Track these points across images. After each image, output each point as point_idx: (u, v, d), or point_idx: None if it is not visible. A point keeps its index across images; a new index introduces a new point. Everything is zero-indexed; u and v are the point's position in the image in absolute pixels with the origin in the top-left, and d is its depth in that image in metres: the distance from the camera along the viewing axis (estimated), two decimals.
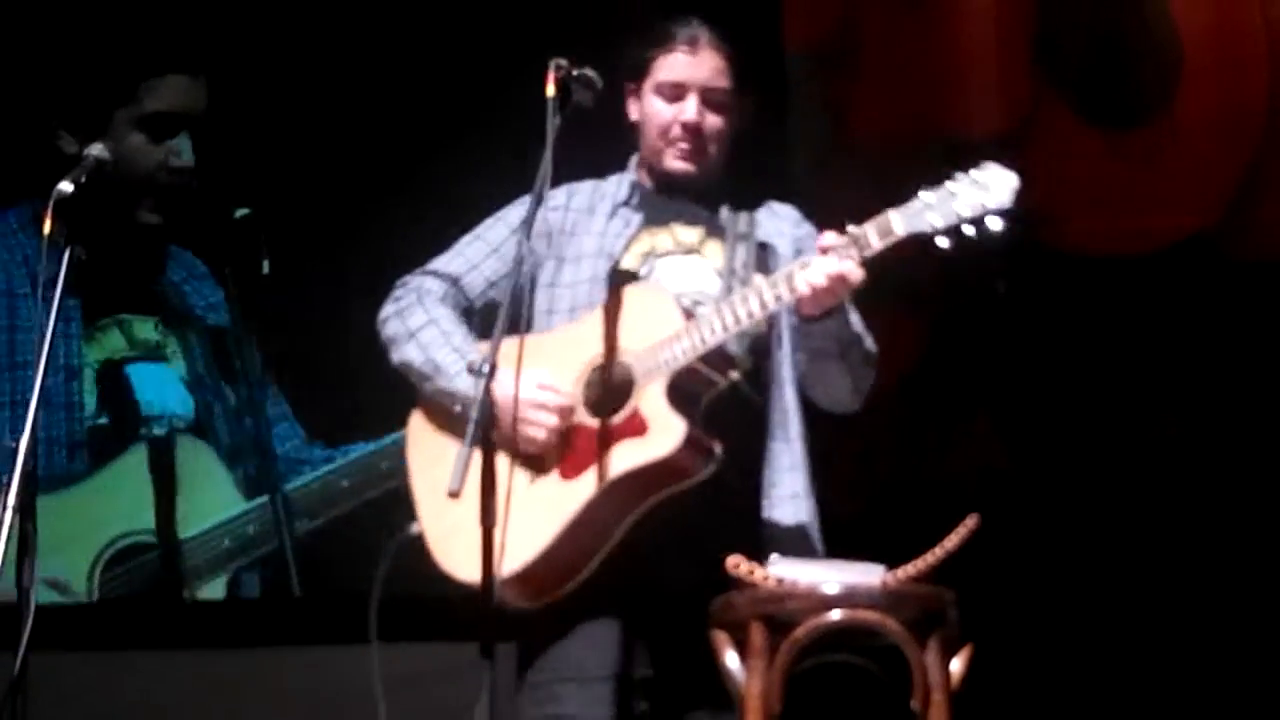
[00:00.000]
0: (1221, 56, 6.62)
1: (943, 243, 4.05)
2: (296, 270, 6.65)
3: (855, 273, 4.07)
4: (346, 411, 6.49)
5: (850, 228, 4.10)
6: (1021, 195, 6.44)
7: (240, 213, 6.60)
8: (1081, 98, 6.69)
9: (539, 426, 4.19)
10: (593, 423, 4.21)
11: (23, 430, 3.98)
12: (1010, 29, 6.76)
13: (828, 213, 4.62)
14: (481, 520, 3.85)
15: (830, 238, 4.11)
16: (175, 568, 6.47)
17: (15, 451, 3.98)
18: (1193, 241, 6.54)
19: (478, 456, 3.86)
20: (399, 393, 4.51)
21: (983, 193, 4.04)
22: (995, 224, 4.04)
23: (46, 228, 4.10)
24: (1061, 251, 6.30)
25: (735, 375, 4.24)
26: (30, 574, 3.90)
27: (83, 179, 4.19)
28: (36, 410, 4.01)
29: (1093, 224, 6.54)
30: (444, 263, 4.50)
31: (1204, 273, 6.52)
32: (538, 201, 4.08)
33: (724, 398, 4.22)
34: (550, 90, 4.12)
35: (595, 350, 4.25)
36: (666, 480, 4.14)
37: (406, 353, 4.39)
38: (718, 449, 4.14)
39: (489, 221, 4.47)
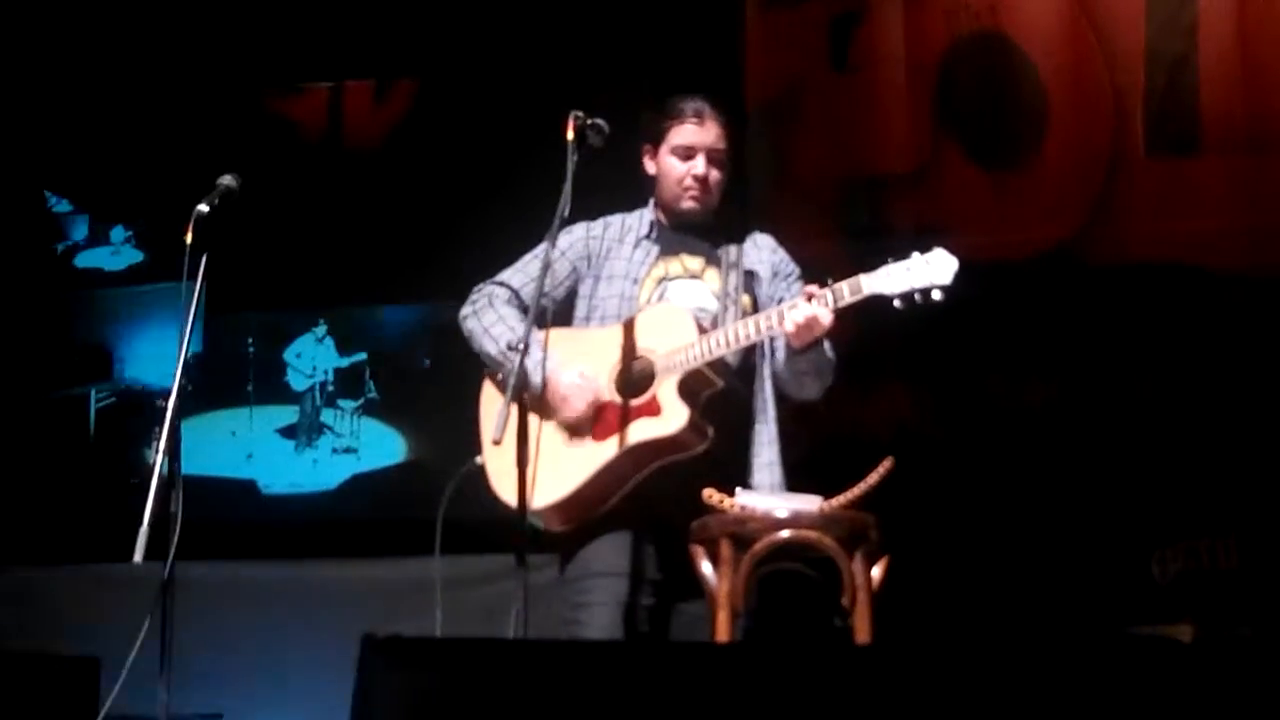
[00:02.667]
0: (1078, 111, 6.58)
1: (897, 304, 4.09)
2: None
3: (828, 317, 4.13)
4: None
5: (830, 283, 4.13)
6: (925, 215, 6.53)
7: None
8: (970, 143, 6.67)
9: (578, 401, 4.26)
10: (621, 402, 4.27)
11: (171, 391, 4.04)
12: (916, 90, 6.74)
13: (777, 235, 4.69)
14: (517, 463, 3.92)
15: (814, 289, 4.16)
16: None
17: (165, 408, 4.03)
18: (1057, 250, 6.52)
19: (515, 415, 3.94)
20: None
21: (932, 271, 4.07)
22: (937, 295, 4.07)
23: (189, 240, 4.14)
24: (959, 256, 6.31)
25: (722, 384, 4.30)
26: (178, 503, 3.96)
27: (216, 202, 4.23)
28: (183, 374, 4.06)
29: (979, 238, 6.53)
30: (508, 275, 4.53)
31: (1066, 274, 6.51)
32: (560, 220, 4.11)
33: (720, 393, 4.28)
34: (569, 135, 4.16)
35: (626, 349, 4.30)
36: (670, 451, 4.20)
37: (483, 344, 4.44)
38: (710, 432, 4.20)
39: (544, 243, 4.50)
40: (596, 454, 4.23)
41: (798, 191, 6.78)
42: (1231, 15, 6.42)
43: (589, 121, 4.18)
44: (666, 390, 4.21)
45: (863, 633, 3.96)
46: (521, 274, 4.53)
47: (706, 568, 4.04)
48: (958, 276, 4.08)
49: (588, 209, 4.42)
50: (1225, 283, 6.28)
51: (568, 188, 4.08)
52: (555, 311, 4.35)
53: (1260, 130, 6.34)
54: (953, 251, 4.13)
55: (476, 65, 7.30)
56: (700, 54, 6.66)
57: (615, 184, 4.55)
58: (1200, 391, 6.24)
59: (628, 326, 4.32)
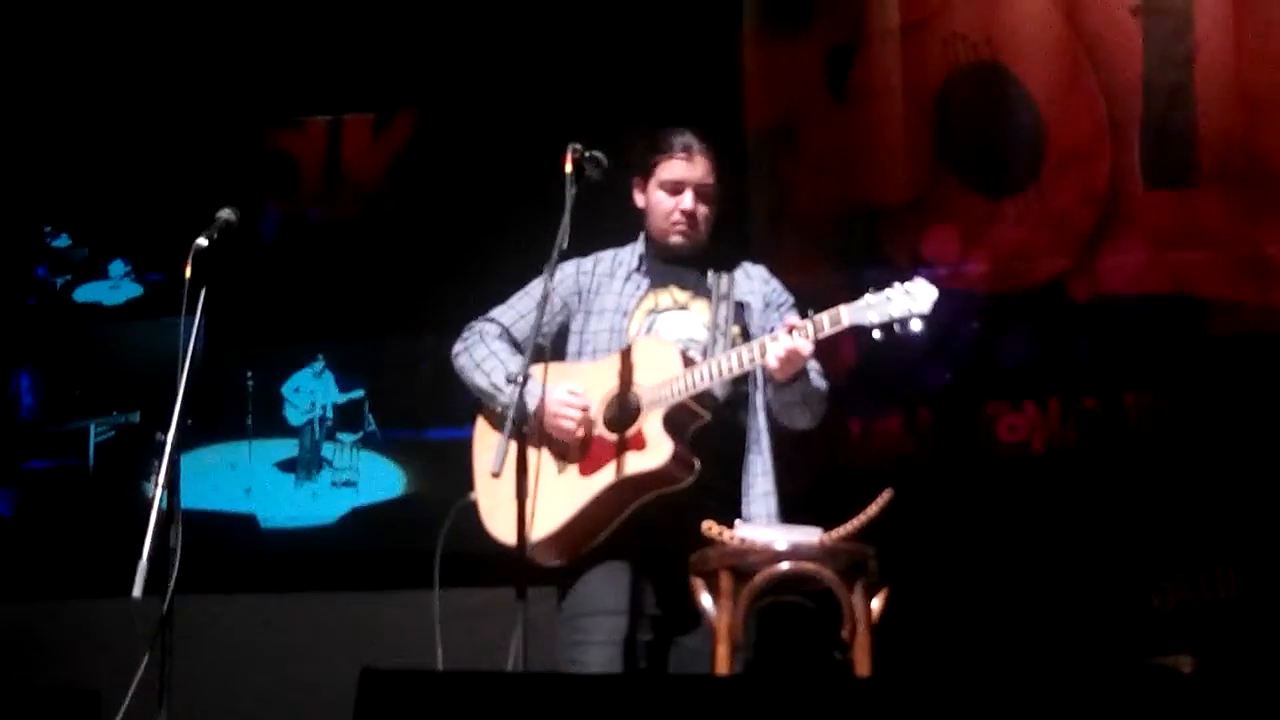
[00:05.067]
0: (1075, 142, 6.58)
1: (876, 334, 4.09)
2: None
3: (808, 348, 4.13)
4: None
5: (811, 314, 4.14)
6: (923, 246, 6.53)
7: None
8: (968, 174, 6.68)
9: (567, 419, 4.26)
10: (609, 436, 4.27)
11: (170, 425, 4.04)
12: (913, 122, 6.75)
13: (776, 265, 4.70)
14: (516, 496, 3.92)
15: (794, 319, 4.17)
16: None
17: (164, 443, 4.04)
18: (1055, 281, 6.50)
19: (514, 448, 3.94)
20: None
21: (911, 301, 4.06)
22: (917, 326, 4.07)
23: (188, 274, 4.15)
24: (955, 289, 6.35)
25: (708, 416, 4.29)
26: (177, 537, 3.96)
27: (214, 236, 4.24)
28: (182, 408, 4.06)
29: (977, 268, 6.55)
30: (498, 312, 4.56)
31: (1064, 304, 6.49)
32: (558, 252, 4.11)
33: (711, 426, 4.28)
34: (568, 167, 4.17)
35: (614, 383, 4.30)
36: (657, 484, 4.21)
37: (475, 379, 4.45)
38: (697, 464, 4.20)
39: (536, 280, 4.50)
40: (584, 488, 4.24)
41: (796, 222, 6.80)
42: (1228, 47, 6.44)
43: (587, 154, 4.18)
44: (652, 424, 4.22)
45: (863, 665, 3.95)
46: (512, 310, 4.56)
47: (706, 600, 4.04)
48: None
49: (586, 242, 4.42)
50: (1223, 313, 6.29)
51: (566, 220, 4.08)
52: (547, 347, 4.35)
53: (1258, 161, 6.35)
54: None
55: (475, 98, 7.32)
56: (698, 86, 6.67)
57: (613, 215, 4.56)
58: (1199, 422, 6.25)
59: (615, 360, 4.33)
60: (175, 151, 7.50)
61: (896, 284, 4.09)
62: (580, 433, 4.28)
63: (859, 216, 6.75)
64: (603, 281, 4.54)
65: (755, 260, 4.66)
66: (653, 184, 4.51)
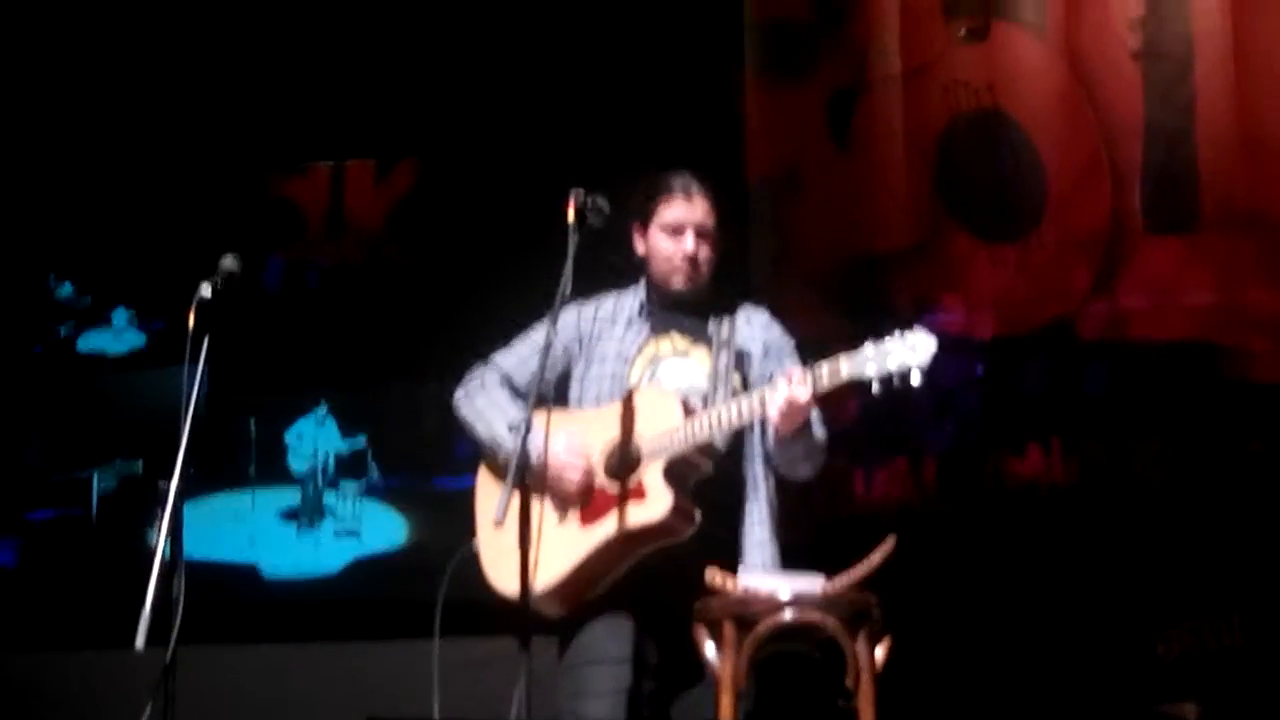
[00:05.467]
0: (1077, 187, 6.60)
1: (875, 388, 4.03)
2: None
3: (807, 399, 4.08)
4: None
5: (811, 365, 4.09)
6: (925, 292, 6.53)
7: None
8: (970, 220, 6.69)
9: (570, 476, 4.25)
10: (609, 487, 4.25)
11: (173, 474, 4.04)
12: (915, 168, 6.78)
13: (778, 309, 4.69)
14: (519, 545, 3.90)
15: (794, 372, 4.13)
16: None
17: (167, 491, 4.04)
18: (1057, 326, 6.51)
19: (517, 498, 3.93)
20: None
21: (910, 353, 3.98)
22: (916, 378, 3.99)
23: (190, 323, 4.16)
24: (958, 335, 6.36)
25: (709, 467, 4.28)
26: (180, 587, 3.95)
27: (218, 284, 4.24)
28: (185, 457, 4.06)
29: (980, 313, 6.56)
30: (500, 357, 4.52)
31: (1066, 350, 6.51)
32: (561, 298, 4.09)
33: (709, 477, 4.25)
34: (570, 214, 4.16)
35: (616, 431, 4.28)
36: (657, 537, 4.17)
37: (476, 430, 4.43)
38: (698, 515, 4.16)
39: (538, 325, 4.49)
40: (585, 539, 4.21)
41: (797, 269, 6.81)
42: (1228, 91, 6.45)
43: (590, 200, 4.17)
44: (652, 475, 4.19)
45: (866, 714, 3.92)
46: (514, 356, 4.53)
47: (710, 649, 4.01)
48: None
49: (589, 289, 4.42)
50: (1226, 358, 6.29)
51: (569, 267, 4.06)
52: (549, 396, 4.34)
53: (1260, 206, 6.36)
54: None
55: (477, 144, 7.36)
56: (699, 132, 6.70)
57: (615, 261, 4.56)
58: (1202, 469, 6.24)
59: (617, 408, 4.30)
60: (178, 199, 7.53)
61: (896, 333, 4.04)
62: (583, 485, 4.27)
63: (861, 262, 6.76)
64: (604, 327, 4.52)
65: (757, 303, 4.65)
66: (653, 228, 4.49)
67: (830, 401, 4.27)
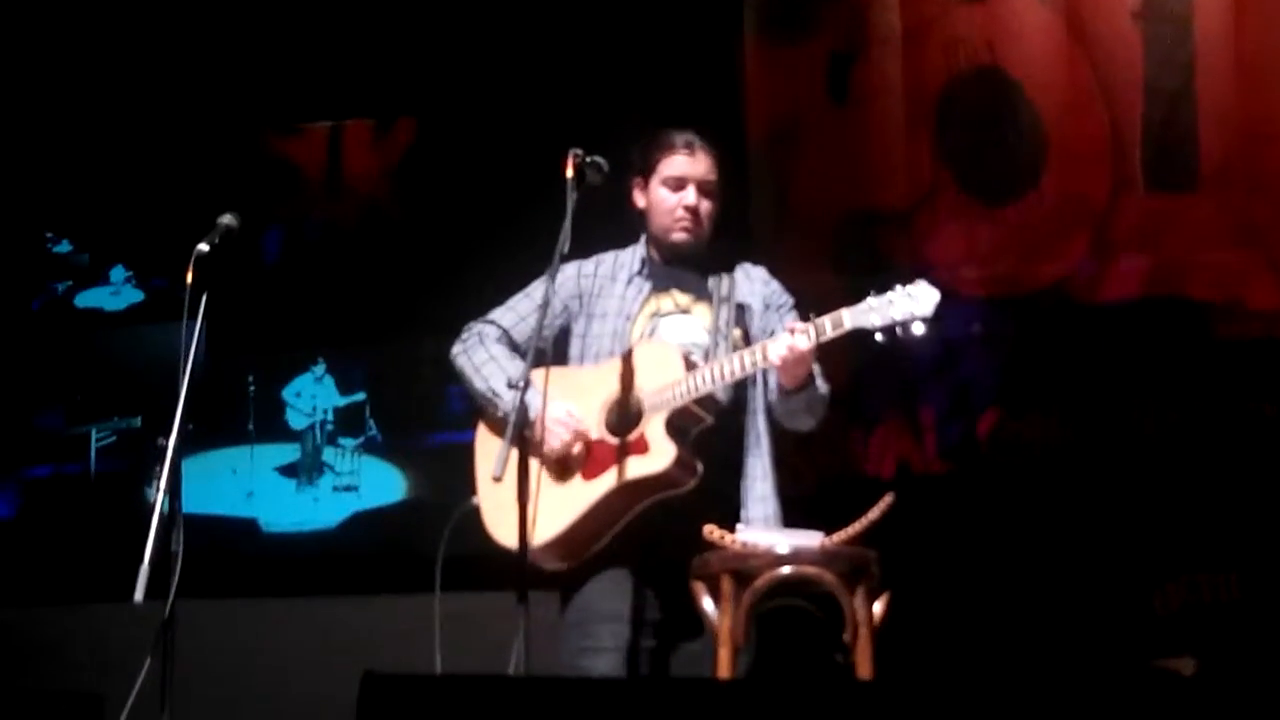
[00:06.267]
0: (1076, 146, 6.59)
1: (878, 337, 4.06)
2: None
3: (809, 346, 4.10)
4: None
5: (812, 317, 4.11)
6: (923, 250, 6.53)
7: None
8: (969, 178, 6.68)
9: (558, 437, 4.25)
10: (611, 440, 4.27)
11: (171, 431, 4.04)
12: (914, 126, 6.76)
13: (777, 269, 4.69)
14: (518, 500, 3.93)
15: (796, 324, 4.15)
16: None
17: (165, 448, 4.04)
18: (1056, 285, 6.51)
19: (516, 453, 3.94)
20: None
21: (913, 303, 4.02)
22: (919, 328, 4.03)
23: (189, 277, 4.15)
24: (956, 294, 6.36)
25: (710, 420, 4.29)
26: (179, 541, 3.96)
27: (216, 241, 4.23)
28: (184, 412, 4.06)
29: (978, 273, 6.56)
30: (498, 314, 4.54)
31: (1065, 309, 6.51)
32: (559, 256, 4.11)
33: (710, 429, 4.26)
34: (569, 172, 4.16)
35: (616, 387, 4.28)
36: (660, 488, 4.20)
37: (474, 384, 4.44)
38: (700, 468, 4.19)
39: (535, 282, 4.50)
40: (587, 492, 4.23)
41: (797, 225, 6.80)
42: (1228, 50, 6.45)
43: (588, 159, 4.17)
44: (654, 428, 4.21)
45: (864, 669, 3.95)
46: (512, 313, 4.54)
47: (708, 604, 4.04)
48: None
49: (587, 247, 4.42)
50: (1225, 316, 6.30)
51: (567, 225, 4.07)
52: (548, 352, 4.33)
53: (1258, 165, 6.36)
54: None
55: (476, 103, 7.33)
56: (700, 90, 6.68)
57: (614, 220, 4.56)
58: (1202, 425, 6.25)
59: (618, 364, 4.32)
60: (176, 157, 7.51)
61: (899, 286, 4.07)
62: (575, 450, 4.27)
63: (859, 221, 6.75)
64: (604, 284, 4.53)
65: (756, 262, 4.65)
66: (654, 182, 4.50)
67: (828, 357, 4.27)
